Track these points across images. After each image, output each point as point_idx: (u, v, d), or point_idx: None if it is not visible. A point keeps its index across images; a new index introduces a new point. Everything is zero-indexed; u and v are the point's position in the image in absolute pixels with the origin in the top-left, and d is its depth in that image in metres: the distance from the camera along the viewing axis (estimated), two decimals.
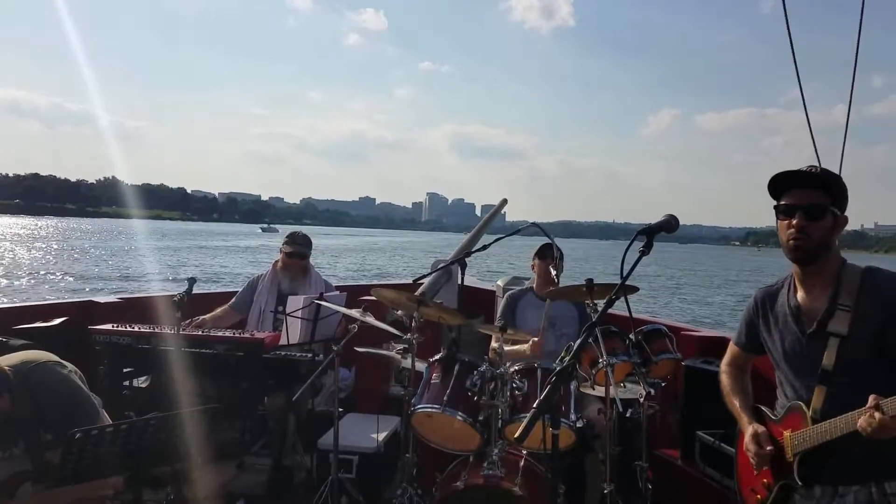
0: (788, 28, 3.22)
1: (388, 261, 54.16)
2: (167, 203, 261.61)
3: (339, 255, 56.34)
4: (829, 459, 1.98)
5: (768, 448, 2.09)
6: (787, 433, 2.08)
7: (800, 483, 2.02)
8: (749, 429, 2.19)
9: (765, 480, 2.15)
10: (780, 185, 2.12)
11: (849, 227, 2.16)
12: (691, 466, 3.88)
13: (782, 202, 2.10)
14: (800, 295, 2.15)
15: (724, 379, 2.43)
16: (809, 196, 2.05)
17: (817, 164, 2.12)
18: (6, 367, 2.68)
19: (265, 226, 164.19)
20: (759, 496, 2.18)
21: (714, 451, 3.67)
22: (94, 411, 2.81)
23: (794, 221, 2.05)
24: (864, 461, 1.90)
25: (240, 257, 48.80)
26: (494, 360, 3.38)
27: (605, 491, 3.22)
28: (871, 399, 1.78)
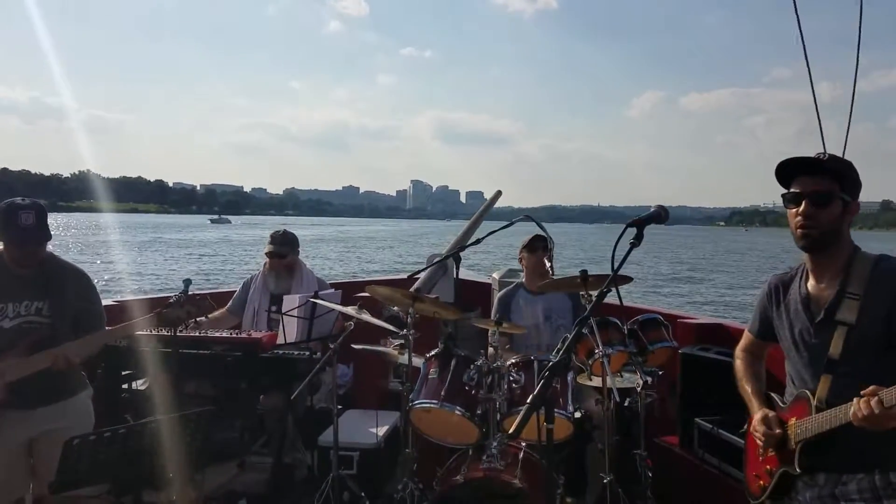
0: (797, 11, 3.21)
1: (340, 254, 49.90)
2: (144, 196, 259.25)
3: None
4: (831, 448, 1.97)
5: (777, 431, 2.08)
6: (791, 421, 2.08)
7: (799, 471, 2.01)
8: (759, 412, 2.17)
9: (768, 467, 2.15)
10: (788, 172, 2.08)
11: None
12: (690, 453, 3.90)
13: (790, 190, 2.07)
14: (810, 283, 2.13)
15: (738, 364, 2.41)
16: (816, 183, 2.01)
17: (824, 152, 2.07)
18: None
19: (215, 217, 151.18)
20: (761, 482, 2.18)
21: (712, 438, 3.69)
22: (101, 322, 3.12)
23: (801, 209, 2.01)
24: (868, 450, 1.89)
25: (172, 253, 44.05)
26: (491, 353, 3.39)
27: (605, 481, 3.24)
28: (871, 389, 1.76)
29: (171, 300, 3.46)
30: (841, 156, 2.11)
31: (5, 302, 2.87)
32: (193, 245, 54.61)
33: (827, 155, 2.06)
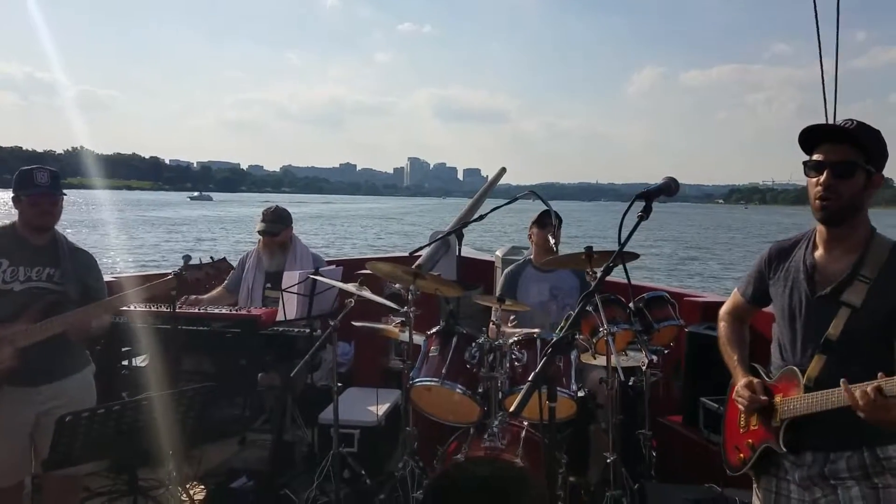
0: None
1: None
2: (139, 173, 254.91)
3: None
4: (817, 426, 1.92)
5: (763, 397, 2.02)
6: (778, 397, 2.01)
7: (784, 449, 1.96)
8: (743, 378, 2.11)
9: (749, 440, 2.09)
10: (812, 139, 1.98)
11: None
12: (694, 432, 3.86)
13: (812, 158, 1.97)
14: (818, 253, 2.04)
15: (723, 327, 2.34)
16: (840, 152, 1.92)
17: (852, 119, 1.96)
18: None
19: (195, 194, 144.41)
20: (742, 455, 2.12)
21: (718, 418, 3.64)
22: (105, 293, 3.13)
23: (822, 179, 1.92)
24: (855, 427, 1.83)
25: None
26: (493, 330, 3.33)
27: (609, 460, 3.20)
28: (880, 377, 1.70)
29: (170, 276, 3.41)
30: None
31: (17, 265, 2.89)
32: (154, 223, 49.52)
33: (855, 123, 1.95)
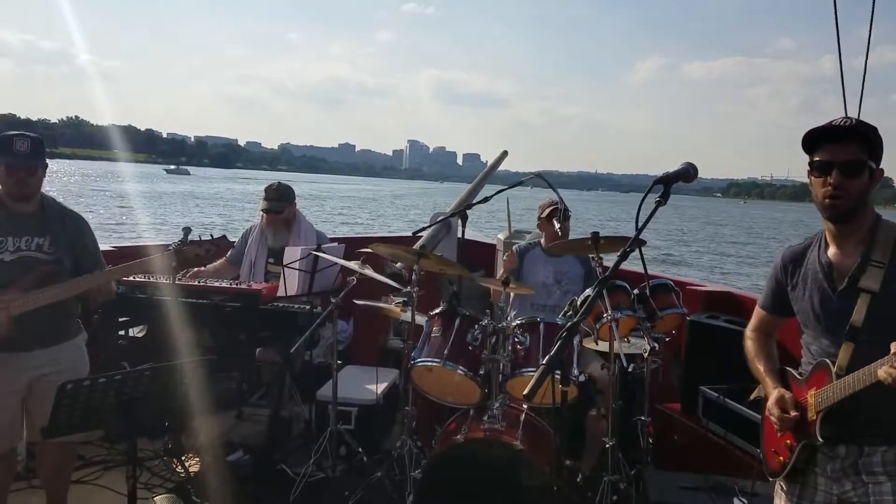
0: None
1: None
2: (133, 145, 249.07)
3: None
4: (853, 418, 1.91)
5: (793, 413, 2.02)
6: (811, 392, 2.01)
7: (821, 440, 1.95)
8: (774, 392, 2.10)
9: (787, 441, 2.09)
10: (814, 139, 2.00)
11: None
12: (693, 421, 3.87)
13: (816, 158, 1.99)
14: (831, 251, 2.06)
15: (749, 345, 2.34)
16: (846, 152, 1.94)
17: (850, 117, 2.01)
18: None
19: (172, 167, 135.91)
20: (781, 458, 2.11)
21: (717, 406, 3.65)
22: (102, 265, 3.04)
23: (830, 179, 1.94)
24: (892, 421, 1.84)
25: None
26: (496, 314, 3.31)
27: (607, 446, 3.20)
28: (894, 346, 1.70)
29: (170, 247, 3.37)
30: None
31: (5, 236, 2.83)
32: (120, 197, 45.38)
33: (854, 120, 1.97)
